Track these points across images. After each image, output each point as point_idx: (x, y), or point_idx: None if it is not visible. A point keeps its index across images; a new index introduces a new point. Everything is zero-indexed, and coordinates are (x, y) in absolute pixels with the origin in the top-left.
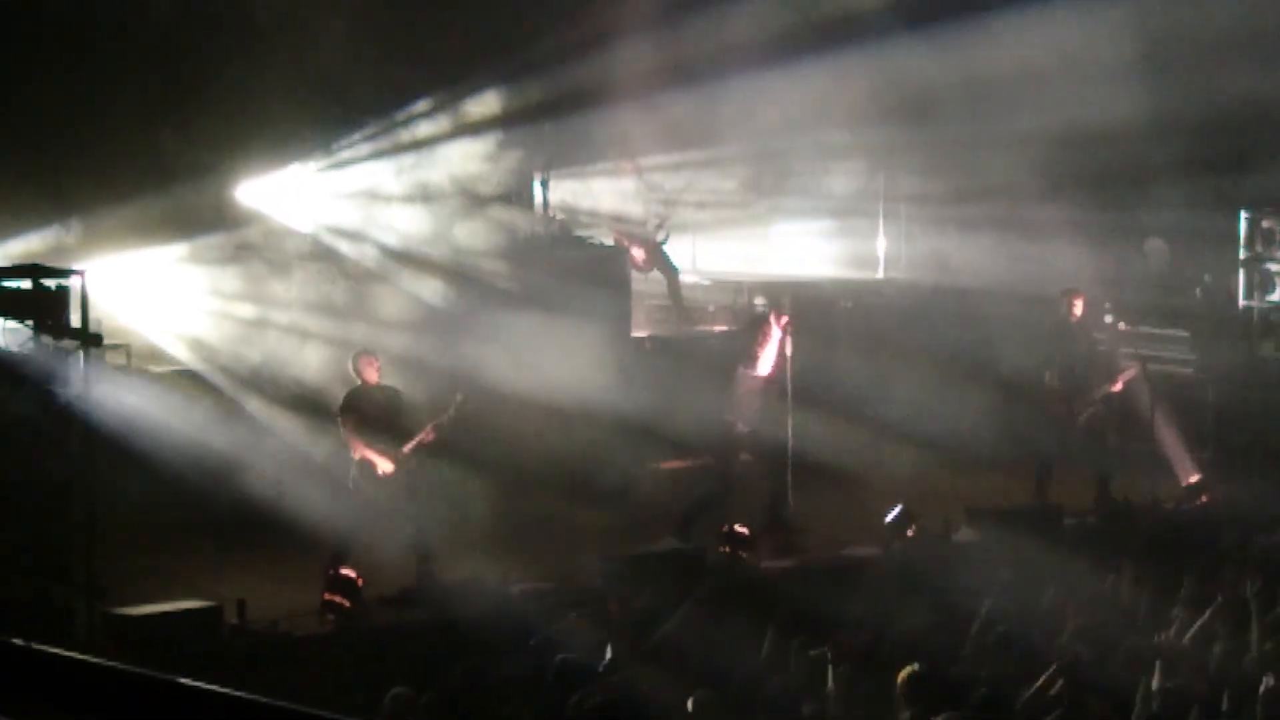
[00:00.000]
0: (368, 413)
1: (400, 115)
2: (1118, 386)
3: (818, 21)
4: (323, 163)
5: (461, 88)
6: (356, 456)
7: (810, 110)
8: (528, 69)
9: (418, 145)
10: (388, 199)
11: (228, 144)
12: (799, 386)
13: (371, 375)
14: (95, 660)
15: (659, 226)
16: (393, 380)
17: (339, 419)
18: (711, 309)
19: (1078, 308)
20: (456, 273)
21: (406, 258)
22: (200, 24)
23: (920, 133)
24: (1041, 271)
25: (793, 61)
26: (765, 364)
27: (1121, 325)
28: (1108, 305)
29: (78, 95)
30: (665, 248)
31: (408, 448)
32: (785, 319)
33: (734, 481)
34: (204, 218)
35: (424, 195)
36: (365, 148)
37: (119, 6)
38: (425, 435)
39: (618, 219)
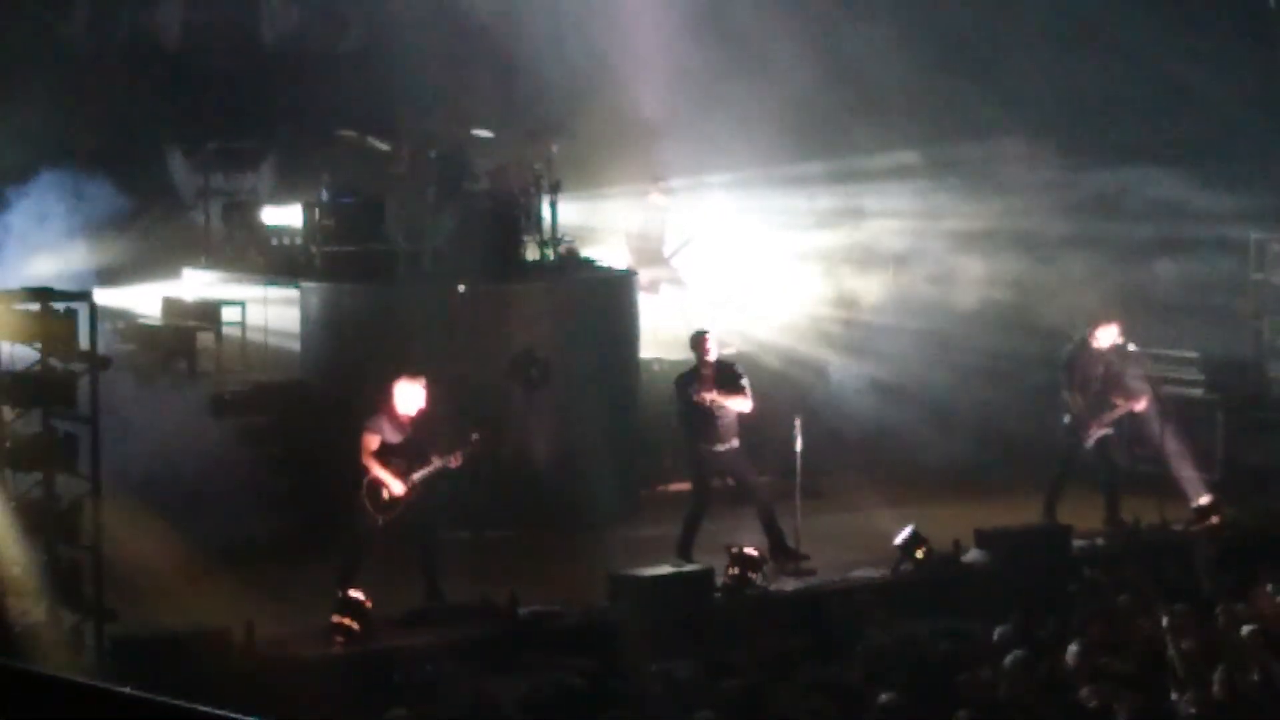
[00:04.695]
0: (389, 438)
1: None
2: (1140, 406)
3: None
4: None
5: None
6: (367, 477)
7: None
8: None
9: None
10: None
11: None
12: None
13: (408, 402)
14: (104, 685)
15: (678, 250)
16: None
17: (363, 436)
18: None
19: (1101, 337)
20: None
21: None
22: None
23: (929, 154)
24: (1051, 292)
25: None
26: (708, 382)
27: (1131, 346)
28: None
29: None
30: (678, 269)
31: (418, 476)
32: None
33: (706, 502)
34: None
35: None
36: None
37: None
38: (453, 459)
39: (628, 238)
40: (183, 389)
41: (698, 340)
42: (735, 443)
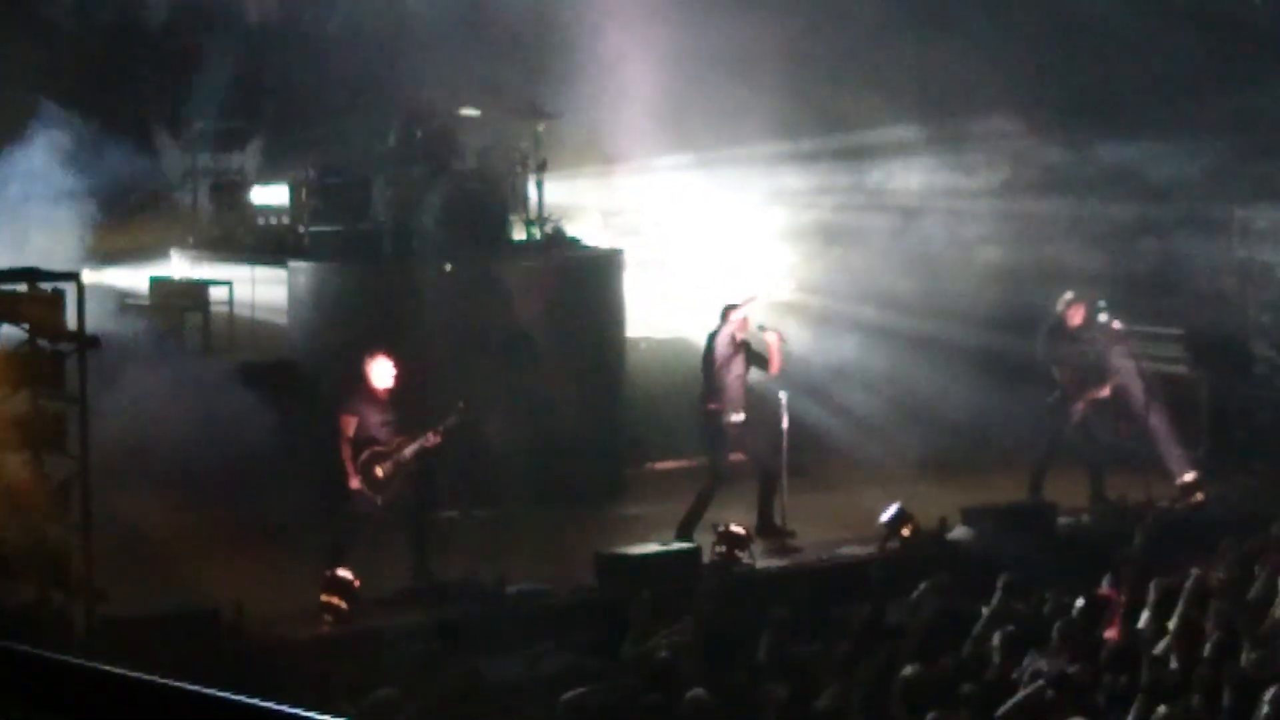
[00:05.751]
0: (370, 418)
1: None
2: (1104, 393)
3: None
4: None
5: None
6: (355, 460)
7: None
8: None
9: None
10: None
11: None
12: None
13: (383, 379)
14: (93, 664)
15: (656, 228)
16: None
17: (340, 419)
18: None
19: (1076, 316)
20: None
21: None
22: None
23: (907, 131)
24: (1036, 269)
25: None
26: (740, 354)
27: (1115, 324)
28: (1102, 303)
29: None
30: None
31: (409, 451)
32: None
33: (722, 475)
34: None
35: None
36: None
37: None
38: (428, 440)
39: (604, 217)
40: (172, 367)
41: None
42: (744, 414)
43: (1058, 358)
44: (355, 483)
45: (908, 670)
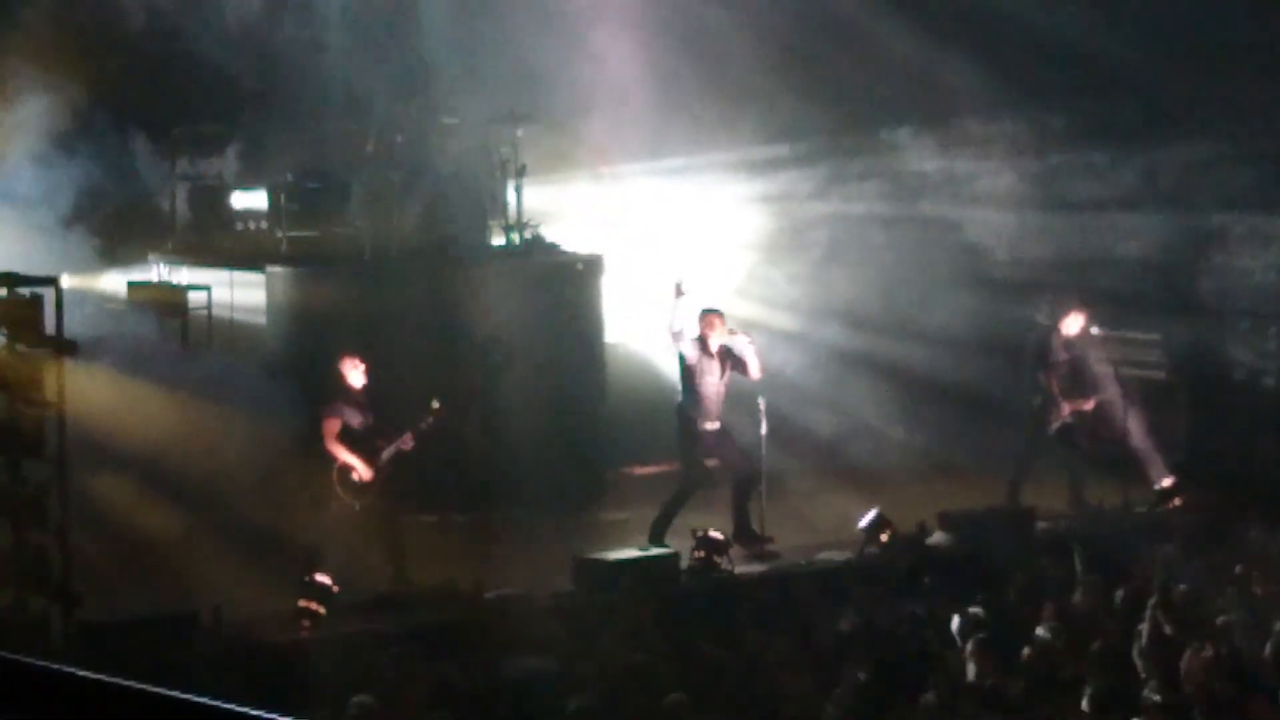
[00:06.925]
0: (351, 420)
1: None
2: (1088, 406)
3: None
4: None
5: None
6: (336, 463)
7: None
8: None
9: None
10: None
11: None
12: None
13: (356, 380)
14: (70, 670)
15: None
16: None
17: (321, 423)
18: None
19: (1072, 325)
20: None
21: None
22: None
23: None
24: (1016, 273)
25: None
26: (715, 360)
27: (1094, 330)
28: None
29: None
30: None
31: (386, 454)
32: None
33: (695, 482)
34: None
35: None
36: None
37: None
38: (404, 442)
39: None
40: (149, 371)
41: (709, 318)
42: (719, 423)
43: (1049, 365)
44: (365, 471)
45: (861, 677)
